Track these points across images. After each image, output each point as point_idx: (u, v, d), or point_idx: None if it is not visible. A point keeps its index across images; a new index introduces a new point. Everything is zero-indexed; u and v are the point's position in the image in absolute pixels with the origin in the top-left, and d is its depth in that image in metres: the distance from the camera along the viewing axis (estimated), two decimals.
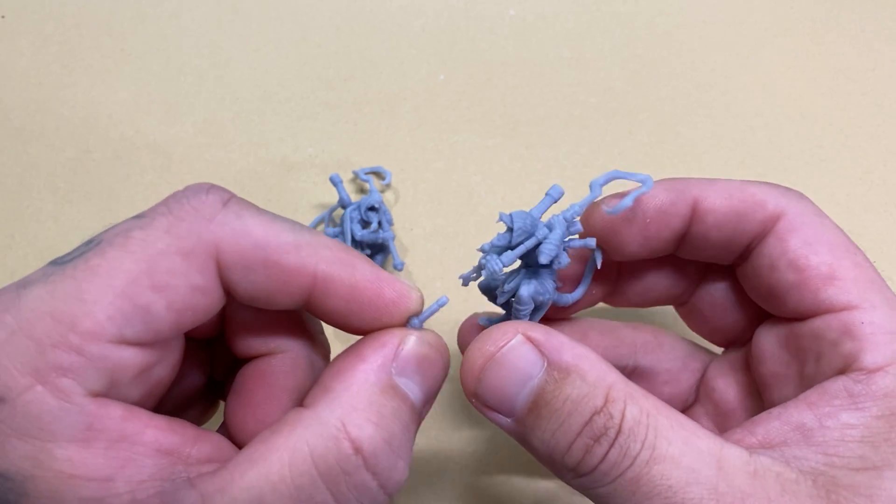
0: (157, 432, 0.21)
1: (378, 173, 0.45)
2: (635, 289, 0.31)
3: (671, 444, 0.22)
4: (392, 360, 0.23)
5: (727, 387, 0.30)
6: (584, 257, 0.30)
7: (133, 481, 0.20)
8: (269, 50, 0.50)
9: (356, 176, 0.45)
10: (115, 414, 0.21)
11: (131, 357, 0.21)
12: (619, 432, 0.22)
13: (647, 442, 0.22)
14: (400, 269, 0.41)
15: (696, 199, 0.27)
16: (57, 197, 0.44)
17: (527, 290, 0.27)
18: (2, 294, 0.21)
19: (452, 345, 0.29)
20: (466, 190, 0.45)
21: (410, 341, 0.24)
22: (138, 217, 0.22)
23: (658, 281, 0.31)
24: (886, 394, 0.23)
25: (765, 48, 0.51)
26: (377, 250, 0.42)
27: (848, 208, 0.45)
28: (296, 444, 0.21)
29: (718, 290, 0.30)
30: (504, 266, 0.26)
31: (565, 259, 0.26)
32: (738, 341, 0.31)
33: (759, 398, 0.29)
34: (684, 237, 0.28)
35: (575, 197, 0.28)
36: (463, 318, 0.32)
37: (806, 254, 0.25)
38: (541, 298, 0.27)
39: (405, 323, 0.25)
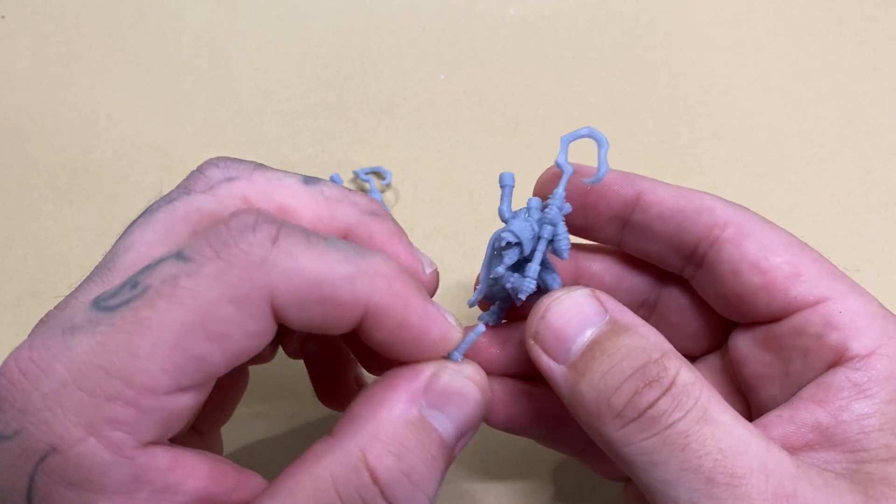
0: (198, 481, 0.21)
1: (378, 173, 0.45)
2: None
3: (723, 413, 0.22)
4: (423, 392, 0.23)
5: None
6: None
7: None
8: (269, 50, 0.50)
9: (356, 176, 0.45)
10: (161, 465, 0.21)
11: (185, 402, 0.21)
12: (672, 384, 0.22)
13: (700, 402, 0.22)
14: None
15: (642, 190, 0.28)
16: (57, 197, 0.44)
17: (556, 284, 0.27)
18: (47, 339, 0.20)
19: None
20: (466, 190, 0.45)
21: (445, 373, 0.24)
22: (182, 260, 0.21)
23: (618, 282, 0.31)
24: (888, 376, 0.23)
25: (765, 48, 0.51)
26: None
27: (848, 208, 0.45)
28: (320, 474, 0.21)
29: (683, 297, 0.30)
30: (535, 280, 0.26)
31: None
32: (711, 348, 0.31)
33: (738, 399, 0.29)
34: (627, 226, 0.28)
35: None
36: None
37: (766, 255, 0.26)
38: (559, 280, 0.28)
39: (445, 355, 0.25)
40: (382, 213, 0.28)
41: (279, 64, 0.50)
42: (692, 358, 0.32)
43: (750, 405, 0.28)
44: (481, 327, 0.25)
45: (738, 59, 0.51)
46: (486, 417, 0.31)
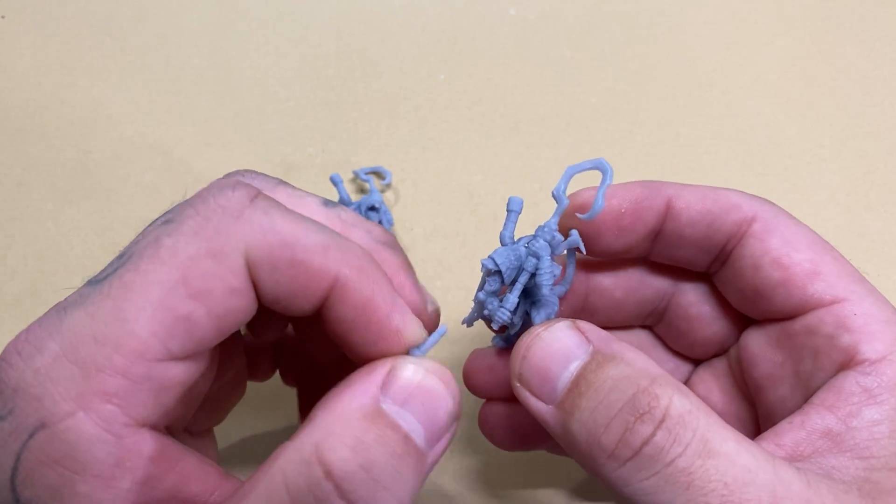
0: (180, 479, 0.21)
1: (378, 173, 0.45)
2: (606, 308, 0.30)
3: (725, 441, 0.21)
4: (380, 387, 0.22)
5: (708, 393, 0.30)
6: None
7: None
8: (269, 50, 0.50)
9: (356, 176, 0.45)
10: (146, 452, 0.20)
11: (177, 374, 0.21)
12: (665, 415, 0.21)
13: (699, 433, 0.21)
14: None
15: (671, 197, 0.27)
16: (57, 197, 0.44)
17: (539, 318, 0.26)
18: (44, 319, 0.21)
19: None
20: (466, 190, 0.45)
21: (407, 370, 0.22)
22: (165, 222, 0.22)
23: (628, 295, 0.30)
24: None
25: (765, 48, 0.51)
26: None
27: (848, 208, 0.45)
28: (273, 474, 0.20)
29: (692, 304, 0.30)
30: (511, 311, 0.26)
31: (558, 270, 0.26)
32: (718, 352, 0.30)
33: (744, 403, 0.29)
34: (658, 235, 0.28)
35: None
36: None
37: (788, 252, 0.26)
38: (551, 312, 0.27)
39: (406, 353, 0.24)
40: (395, 245, 0.27)
41: (279, 64, 0.50)
42: (699, 362, 0.31)
43: (757, 408, 0.28)
44: (444, 328, 0.24)
45: (738, 59, 0.50)
46: (500, 443, 0.31)
